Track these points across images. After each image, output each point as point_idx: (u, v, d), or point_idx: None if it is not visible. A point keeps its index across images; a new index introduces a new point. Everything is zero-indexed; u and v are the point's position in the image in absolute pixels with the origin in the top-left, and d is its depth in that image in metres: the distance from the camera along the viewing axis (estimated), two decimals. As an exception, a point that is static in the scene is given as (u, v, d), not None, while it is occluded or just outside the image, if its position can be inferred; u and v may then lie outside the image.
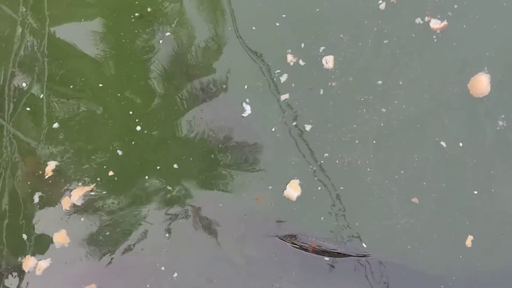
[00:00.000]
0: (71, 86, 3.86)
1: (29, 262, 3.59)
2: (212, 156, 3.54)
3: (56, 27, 4.03)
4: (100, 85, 3.80)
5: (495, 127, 3.18)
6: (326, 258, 3.19)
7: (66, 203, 3.63)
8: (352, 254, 3.16)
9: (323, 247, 3.19)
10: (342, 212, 3.24)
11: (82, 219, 3.59)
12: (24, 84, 3.93)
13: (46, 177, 3.69)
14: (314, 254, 3.20)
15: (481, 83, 3.25)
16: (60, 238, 3.59)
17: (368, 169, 3.26)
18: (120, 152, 3.65)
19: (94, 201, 3.61)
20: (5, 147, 3.85)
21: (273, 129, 3.47)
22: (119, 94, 3.76)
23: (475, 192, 3.12)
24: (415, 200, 3.17)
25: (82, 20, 3.98)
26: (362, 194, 3.25)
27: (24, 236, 3.67)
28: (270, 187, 3.38)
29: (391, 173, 3.24)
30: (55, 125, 3.79)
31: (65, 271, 3.57)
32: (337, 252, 3.17)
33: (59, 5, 4.08)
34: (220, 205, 3.47)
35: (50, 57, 3.94)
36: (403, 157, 3.25)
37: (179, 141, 3.62)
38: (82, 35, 3.93)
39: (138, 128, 3.67)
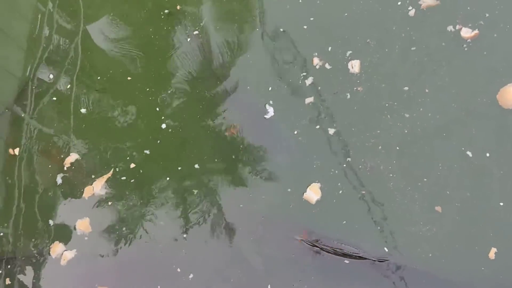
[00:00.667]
0: (99, 78, 3.87)
1: (57, 248, 3.58)
2: (233, 157, 3.51)
3: (87, 21, 4.06)
4: (129, 78, 3.80)
5: (524, 138, 3.11)
6: (346, 261, 3.13)
7: (88, 192, 3.63)
8: (373, 258, 3.09)
9: (344, 250, 3.13)
10: (363, 217, 3.18)
11: (103, 212, 3.58)
12: (51, 76, 3.94)
13: (66, 168, 3.69)
14: (334, 256, 3.14)
15: (511, 94, 3.17)
16: (83, 226, 3.59)
17: (391, 175, 3.20)
18: (147, 151, 3.63)
19: (114, 197, 3.60)
20: (27, 135, 3.85)
21: (295, 132, 3.43)
22: (147, 89, 3.76)
23: (501, 204, 3.02)
24: (438, 208, 3.09)
25: (112, 14, 4.00)
26: (384, 199, 3.18)
27: (50, 222, 3.67)
28: (289, 190, 3.34)
29: (414, 180, 3.17)
30: (83, 110, 3.81)
31: (86, 265, 3.55)
32: (358, 256, 3.11)
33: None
34: (241, 205, 3.43)
35: (78, 49, 3.97)
36: (427, 165, 3.18)
37: (202, 141, 3.61)
38: (112, 29, 3.98)
39: (163, 126, 3.66)
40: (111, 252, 3.51)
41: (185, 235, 3.43)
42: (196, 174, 3.54)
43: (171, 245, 3.46)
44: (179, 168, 3.58)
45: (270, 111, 3.52)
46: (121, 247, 3.51)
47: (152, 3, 3.96)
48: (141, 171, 3.62)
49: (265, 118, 3.51)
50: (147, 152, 3.63)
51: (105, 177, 3.62)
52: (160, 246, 3.47)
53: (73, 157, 3.72)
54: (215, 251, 3.38)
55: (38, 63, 4.01)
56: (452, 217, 3.07)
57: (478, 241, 3.00)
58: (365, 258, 3.09)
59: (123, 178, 3.62)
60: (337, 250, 3.14)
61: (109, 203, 3.58)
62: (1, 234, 3.67)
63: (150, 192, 3.58)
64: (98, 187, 3.61)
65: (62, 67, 3.97)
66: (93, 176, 3.66)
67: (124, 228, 3.52)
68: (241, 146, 3.52)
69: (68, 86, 3.89)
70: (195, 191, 3.52)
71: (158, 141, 3.65)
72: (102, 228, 3.56)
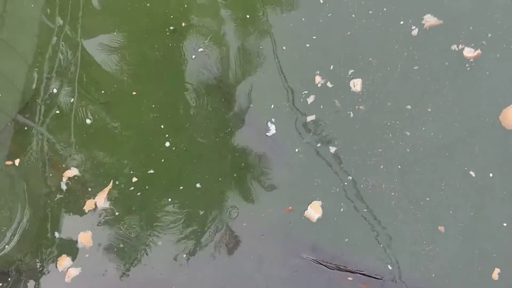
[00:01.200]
0: (103, 92, 3.86)
1: (64, 262, 3.52)
2: (235, 175, 3.48)
3: (90, 36, 4.06)
4: (134, 93, 3.79)
5: (528, 159, 3.09)
6: (350, 278, 3.08)
7: (89, 205, 3.59)
8: (376, 276, 3.04)
9: (348, 267, 3.08)
10: (365, 235, 3.14)
11: (105, 228, 3.53)
12: (55, 90, 3.92)
13: (65, 180, 3.66)
14: (338, 272, 3.10)
15: (514, 115, 3.17)
16: (85, 239, 3.53)
17: (393, 193, 3.17)
18: (151, 171, 3.59)
19: (115, 215, 3.55)
20: (31, 148, 3.83)
21: (296, 150, 3.41)
22: (153, 106, 3.74)
23: (504, 225, 3.00)
24: (441, 228, 3.06)
25: (117, 31, 4.00)
26: (386, 218, 3.15)
27: (56, 234, 3.60)
28: (290, 207, 3.30)
29: (416, 199, 3.14)
30: (88, 122, 3.79)
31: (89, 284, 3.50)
32: (362, 273, 3.06)
33: (94, 15, 4.14)
34: (244, 224, 3.38)
35: (83, 63, 3.96)
36: (430, 184, 3.15)
37: (204, 159, 3.57)
38: (117, 45, 3.96)
39: (167, 144, 3.63)
40: (112, 272, 3.45)
41: (185, 255, 3.37)
42: (197, 193, 3.50)
43: (171, 266, 3.40)
44: (181, 188, 3.53)
45: (272, 128, 3.49)
46: (122, 267, 3.45)
47: (157, 19, 3.95)
48: (143, 188, 3.57)
49: (267, 135, 3.49)
50: (151, 171, 3.59)
51: (106, 190, 3.58)
52: (160, 266, 3.42)
53: (73, 171, 3.68)
54: (215, 271, 3.33)
55: (43, 77, 3.99)
56: (455, 237, 3.04)
57: (481, 262, 2.97)
58: (370, 276, 3.05)
59: (126, 192, 3.57)
60: (341, 267, 3.10)
61: (111, 217, 3.53)
62: (6, 247, 3.62)
63: (152, 211, 3.53)
64: (100, 201, 3.57)
65: (66, 81, 3.95)
66: (89, 189, 3.62)
67: (125, 247, 3.47)
68: (242, 164, 3.49)
69: (72, 100, 3.86)
70: (196, 211, 3.47)
71: (163, 160, 3.60)
72: (103, 244, 3.51)
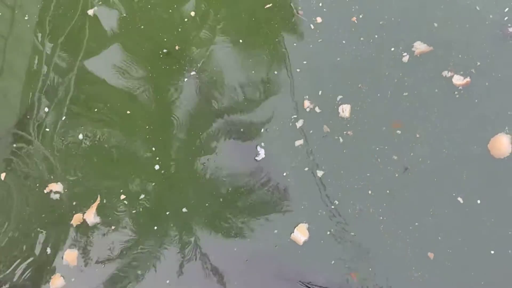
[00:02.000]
0: (96, 110, 3.86)
1: (57, 281, 3.45)
2: (221, 199, 3.44)
3: (85, 56, 4.09)
4: (128, 112, 3.79)
5: (515, 185, 3.08)
6: None
7: (77, 219, 3.55)
8: None
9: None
10: (352, 258, 3.11)
11: (92, 248, 3.49)
12: (46, 109, 3.93)
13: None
14: None
15: (502, 144, 3.17)
16: (70, 257, 3.48)
17: (381, 218, 3.15)
18: (146, 196, 3.56)
19: (102, 236, 3.51)
20: (19, 162, 3.82)
21: (284, 174, 3.39)
22: (147, 127, 3.73)
23: (492, 252, 2.98)
24: (430, 254, 3.03)
25: (111, 51, 4.03)
26: (374, 242, 3.13)
27: (48, 250, 3.54)
28: (275, 231, 3.27)
29: (405, 224, 3.12)
30: (80, 137, 3.79)
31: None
32: None
33: (88, 35, 4.17)
34: (225, 249, 3.33)
35: (76, 83, 3.98)
36: (418, 209, 3.14)
37: (191, 184, 3.55)
38: (110, 64, 3.98)
39: (157, 167, 3.61)
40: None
41: (168, 281, 3.32)
42: (183, 218, 3.46)
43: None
44: (167, 213, 3.50)
45: (262, 153, 3.48)
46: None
47: (150, 42, 3.98)
48: (134, 214, 3.54)
49: (256, 160, 3.48)
50: (142, 196, 3.56)
51: (95, 205, 3.54)
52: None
53: (58, 186, 3.65)
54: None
55: (36, 95, 3.99)
56: (444, 264, 3.01)
57: (469, 289, 2.94)
58: None
59: (115, 212, 3.54)
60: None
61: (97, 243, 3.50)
62: None
63: (139, 235, 3.50)
64: (90, 216, 3.52)
65: (59, 98, 3.95)
66: (74, 203, 3.59)
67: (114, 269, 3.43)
68: (229, 189, 3.46)
69: (64, 118, 3.86)
70: (181, 235, 3.43)
71: (153, 184, 3.58)
72: (89, 262, 3.46)
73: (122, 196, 3.54)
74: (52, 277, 3.45)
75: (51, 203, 3.63)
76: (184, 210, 3.47)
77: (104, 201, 3.55)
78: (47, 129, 3.85)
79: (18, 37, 4.25)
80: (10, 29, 4.26)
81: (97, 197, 3.56)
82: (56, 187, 3.64)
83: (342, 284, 3.07)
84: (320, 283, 3.09)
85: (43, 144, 3.81)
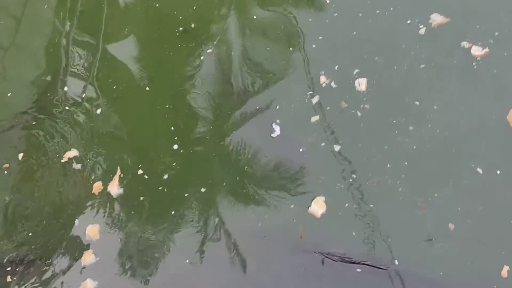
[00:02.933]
0: (114, 87, 3.90)
1: (88, 257, 3.50)
2: (238, 178, 3.45)
3: (99, 33, 4.14)
4: (147, 88, 3.83)
5: (536, 155, 3.04)
6: (358, 270, 3.03)
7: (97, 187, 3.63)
8: (381, 267, 2.99)
9: (352, 259, 3.05)
10: (371, 230, 3.09)
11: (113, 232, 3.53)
12: (66, 88, 3.99)
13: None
14: (344, 264, 3.06)
15: (521, 115, 3.13)
16: (92, 232, 3.53)
17: (400, 189, 3.12)
18: (165, 176, 3.58)
19: (120, 221, 3.55)
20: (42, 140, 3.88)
21: (300, 150, 3.38)
22: (167, 105, 3.75)
23: (512, 222, 2.95)
24: (451, 225, 2.99)
25: (126, 30, 4.06)
26: (394, 213, 3.10)
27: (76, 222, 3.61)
28: (292, 206, 3.27)
29: (424, 195, 3.08)
30: (98, 112, 3.85)
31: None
32: (366, 263, 3.02)
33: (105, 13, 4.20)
34: (243, 226, 3.35)
35: (94, 60, 4.03)
36: (437, 180, 3.09)
37: (209, 162, 3.56)
38: (128, 43, 4.03)
39: (175, 146, 3.62)
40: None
41: (187, 260, 3.33)
42: (202, 197, 3.47)
43: (175, 270, 3.38)
44: (186, 195, 3.51)
45: (277, 130, 3.47)
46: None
47: (166, 20, 3.99)
48: (149, 197, 3.57)
49: (271, 137, 3.47)
50: (166, 176, 3.57)
51: (116, 177, 3.59)
52: (165, 271, 3.39)
53: (73, 152, 3.72)
54: (221, 273, 3.29)
55: (54, 75, 4.06)
56: (464, 235, 2.97)
57: (490, 259, 2.90)
58: (373, 266, 3.00)
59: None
60: (346, 258, 3.06)
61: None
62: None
63: (156, 218, 3.53)
64: (114, 188, 3.58)
65: (78, 78, 4.00)
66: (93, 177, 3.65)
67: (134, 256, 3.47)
68: (245, 167, 3.46)
69: (84, 95, 3.91)
70: (201, 214, 3.44)
71: (174, 164, 3.59)
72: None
73: (140, 171, 3.57)
74: (84, 253, 3.50)
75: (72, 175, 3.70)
76: (203, 190, 3.47)
77: (122, 175, 3.58)
78: (67, 107, 3.89)
79: (35, 17, 4.29)
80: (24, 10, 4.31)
81: (117, 169, 3.60)
82: (72, 154, 3.73)
83: (362, 256, 3.06)
84: (338, 254, 3.09)
85: (62, 120, 3.87)
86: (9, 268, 3.57)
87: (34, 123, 3.95)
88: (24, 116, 4.01)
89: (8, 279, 3.52)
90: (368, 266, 3.02)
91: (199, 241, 3.37)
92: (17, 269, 3.55)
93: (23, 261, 3.57)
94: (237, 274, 3.25)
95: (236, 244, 3.31)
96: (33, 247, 3.59)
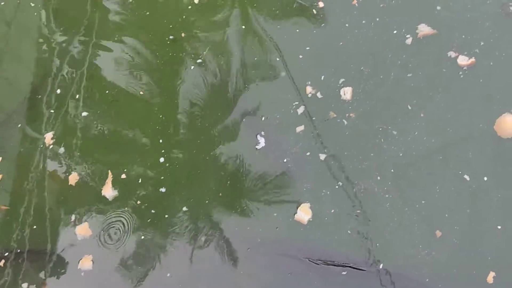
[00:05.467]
0: (103, 94, 3.89)
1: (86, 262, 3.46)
2: (220, 194, 3.43)
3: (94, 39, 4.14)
4: (141, 92, 3.83)
5: (523, 162, 3.03)
6: (344, 273, 3.01)
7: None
8: (361, 268, 2.97)
9: (335, 262, 3.02)
10: (358, 236, 3.06)
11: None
12: (59, 91, 3.98)
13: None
14: (326, 266, 3.04)
15: (508, 124, 3.12)
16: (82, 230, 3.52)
17: (387, 196, 3.10)
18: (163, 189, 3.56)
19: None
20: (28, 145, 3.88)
21: (285, 160, 3.36)
22: (161, 116, 3.74)
23: (499, 227, 2.92)
24: (438, 232, 2.97)
25: (117, 36, 4.07)
26: (381, 219, 3.08)
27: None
28: (275, 214, 3.26)
29: (411, 201, 3.07)
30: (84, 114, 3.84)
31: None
32: (347, 266, 3.00)
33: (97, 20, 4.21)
34: (232, 237, 3.32)
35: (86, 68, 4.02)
36: (424, 187, 3.09)
37: (193, 180, 3.53)
38: (118, 49, 4.03)
39: (162, 159, 3.60)
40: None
41: (168, 274, 3.31)
42: (184, 217, 3.45)
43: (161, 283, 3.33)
44: (166, 216, 3.47)
45: (261, 141, 3.46)
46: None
47: (157, 28, 3.99)
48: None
49: (256, 148, 3.46)
50: (162, 190, 3.54)
51: (109, 180, 3.58)
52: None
53: (73, 177, 3.69)
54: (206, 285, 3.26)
55: (47, 77, 4.05)
56: (451, 241, 2.96)
57: (476, 265, 2.88)
58: (355, 268, 2.97)
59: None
60: (328, 262, 3.04)
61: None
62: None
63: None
64: (108, 191, 3.56)
65: (68, 80, 3.99)
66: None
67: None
68: (228, 182, 3.44)
69: (77, 96, 3.90)
70: (185, 226, 3.41)
71: (162, 178, 3.56)
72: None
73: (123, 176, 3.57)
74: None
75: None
76: (185, 209, 3.44)
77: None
78: (53, 111, 3.91)
79: (25, 22, 4.31)
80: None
81: (108, 172, 3.60)
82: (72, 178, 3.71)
83: (346, 259, 3.04)
84: (328, 259, 3.06)
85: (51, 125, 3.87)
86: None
87: (20, 125, 3.95)
88: (13, 117, 4.00)
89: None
90: (353, 269, 3.00)
91: (184, 253, 3.34)
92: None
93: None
94: (224, 285, 3.22)
95: (222, 254, 3.27)
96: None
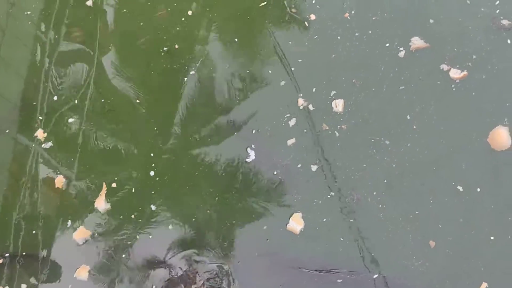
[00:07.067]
0: (102, 100, 3.86)
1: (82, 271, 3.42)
2: (208, 211, 3.39)
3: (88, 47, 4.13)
4: (138, 101, 3.81)
5: (516, 174, 3.03)
6: (339, 280, 2.98)
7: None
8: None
9: (330, 270, 3.01)
10: (351, 245, 3.05)
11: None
12: (55, 98, 3.94)
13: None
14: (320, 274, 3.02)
15: (501, 137, 3.12)
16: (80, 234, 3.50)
17: (380, 206, 3.09)
18: (153, 207, 3.52)
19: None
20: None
21: (275, 172, 3.34)
22: (155, 128, 3.71)
23: (492, 238, 2.91)
24: (431, 243, 2.96)
25: (111, 46, 4.05)
26: (374, 229, 3.07)
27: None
28: (265, 227, 3.24)
29: (405, 212, 3.06)
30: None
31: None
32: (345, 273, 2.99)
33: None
34: (224, 251, 3.28)
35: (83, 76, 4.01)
36: (417, 198, 3.08)
37: (180, 198, 3.51)
38: (112, 59, 4.02)
39: (152, 173, 3.56)
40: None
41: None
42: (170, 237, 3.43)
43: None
44: (150, 237, 3.46)
45: (252, 154, 3.44)
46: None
47: (151, 39, 3.97)
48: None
49: (246, 161, 3.43)
50: (153, 208, 3.50)
51: (103, 192, 3.53)
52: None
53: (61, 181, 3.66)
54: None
55: (40, 86, 4.02)
56: (444, 251, 2.95)
57: (469, 276, 2.88)
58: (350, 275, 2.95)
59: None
60: (323, 270, 3.02)
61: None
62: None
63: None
64: (101, 204, 3.51)
65: (62, 90, 3.97)
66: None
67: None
68: (216, 199, 3.40)
69: (71, 105, 3.89)
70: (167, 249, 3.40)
71: (153, 192, 3.53)
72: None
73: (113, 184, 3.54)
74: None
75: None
76: (170, 227, 3.43)
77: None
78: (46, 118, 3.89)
79: (18, 30, 4.30)
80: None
81: (103, 184, 3.56)
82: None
83: (343, 267, 3.02)
84: (321, 268, 3.04)
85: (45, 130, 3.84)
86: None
87: (8, 131, 3.93)
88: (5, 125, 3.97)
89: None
90: (348, 277, 2.98)
91: (169, 273, 3.33)
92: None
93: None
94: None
95: (214, 270, 3.24)
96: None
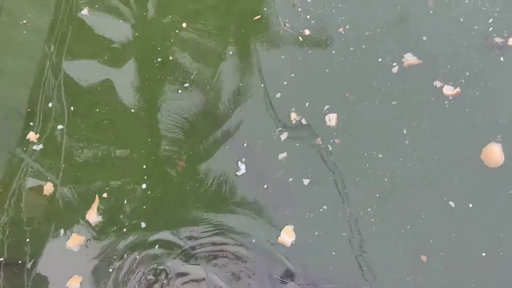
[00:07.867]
0: (97, 110, 3.84)
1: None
2: (197, 226, 3.37)
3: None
4: (132, 110, 3.80)
5: (508, 190, 3.01)
6: None
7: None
8: None
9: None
10: (342, 258, 3.02)
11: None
12: (50, 104, 3.92)
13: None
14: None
15: (494, 153, 3.11)
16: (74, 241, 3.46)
17: (372, 220, 3.07)
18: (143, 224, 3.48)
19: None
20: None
21: (265, 186, 3.33)
22: (148, 139, 3.70)
23: (483, 254, 2.89)
24: (423, 258, 2.94)
25: (107, 55, 4.04)
26: (366, 243, 3.04)
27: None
28: (253, 240, 3.22)
29: (397, 226, 3.04)
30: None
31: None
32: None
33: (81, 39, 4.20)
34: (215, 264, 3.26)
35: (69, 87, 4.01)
36: (409, 212, 3.06)
37: (172, 210, 3.48)
38: (106, 71, 4.00)
39: (144, 186, 3.54)
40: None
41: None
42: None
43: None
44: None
45: (242, 168, 3.42)
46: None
47: (146, 50, 3.98)
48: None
49: (236, 175, 3.41)
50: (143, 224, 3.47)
51: (95, 205, 3.50)
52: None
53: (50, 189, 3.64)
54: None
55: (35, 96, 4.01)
56: (436, 267, 2.92)
57: (460, 292, 2.85)
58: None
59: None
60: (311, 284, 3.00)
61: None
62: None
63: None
64: (92, 216, 3.47)
65: (56, 102, 3.94)
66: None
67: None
68: (204, 213, 3.38)
69: (66, 113, 3.87)
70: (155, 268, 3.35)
71: (145, 207, 3.50)
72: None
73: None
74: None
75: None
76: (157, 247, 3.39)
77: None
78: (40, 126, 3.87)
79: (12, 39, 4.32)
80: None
81: (95, 197, 3.53)
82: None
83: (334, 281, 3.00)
84: (311, 282, 3.02)
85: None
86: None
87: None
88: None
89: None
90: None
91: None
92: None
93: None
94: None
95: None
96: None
